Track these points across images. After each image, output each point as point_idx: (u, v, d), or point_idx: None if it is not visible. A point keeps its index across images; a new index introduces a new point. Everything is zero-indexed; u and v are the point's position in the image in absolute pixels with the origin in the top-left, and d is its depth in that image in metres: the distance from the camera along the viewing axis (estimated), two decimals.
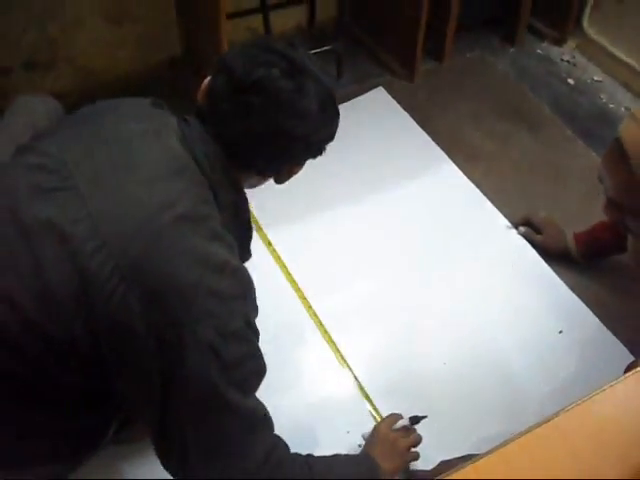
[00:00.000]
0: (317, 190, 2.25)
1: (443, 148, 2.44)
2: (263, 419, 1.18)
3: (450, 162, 2.39)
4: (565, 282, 2.05)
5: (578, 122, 2.62)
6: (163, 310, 1.04)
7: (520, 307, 1.99)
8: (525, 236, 2.15)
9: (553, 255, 2.10)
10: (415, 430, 1.61)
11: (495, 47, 2.95)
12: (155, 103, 1.27)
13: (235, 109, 1.17)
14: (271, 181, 1.35)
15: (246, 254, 1.32)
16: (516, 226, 2.19)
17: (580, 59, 2.92)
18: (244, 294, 1.13)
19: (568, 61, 2.92)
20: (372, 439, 1.54)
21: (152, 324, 1.04)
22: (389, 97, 2.63)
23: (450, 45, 2.79)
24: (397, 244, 2.14)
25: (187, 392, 1.07)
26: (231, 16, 2.39)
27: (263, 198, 1.79)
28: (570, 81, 2.83)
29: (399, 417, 1.61)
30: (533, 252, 2.12)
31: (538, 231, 2.14)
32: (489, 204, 2.27)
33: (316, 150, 1.29)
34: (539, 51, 2.96)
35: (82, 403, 1.18)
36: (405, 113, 2.57)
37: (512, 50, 2.95)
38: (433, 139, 2.47)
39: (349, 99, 2.62)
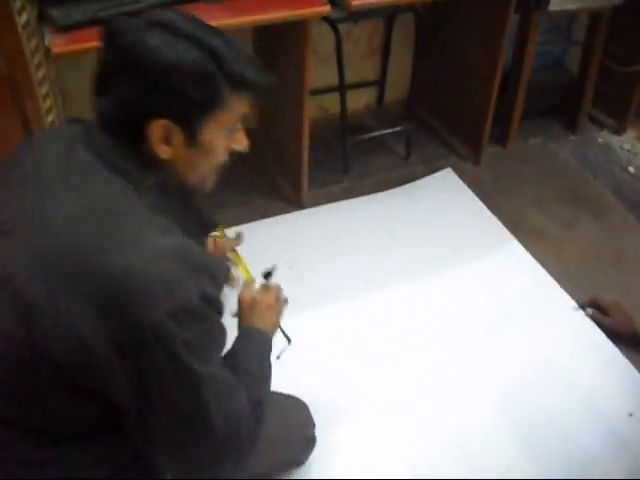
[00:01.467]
0: (377, 263, 2.34)
1: (508, 229, 2.51)
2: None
3: (516, 242, 2.45)
4: (634, 365, 2.06)
5: None
6: (116, 317, 1.00)
7: (588, 387, 1.99)
8: (593, 318, 2.18)
9: (621, 339, 2.12)
10: (270, 283, 1.60)
11: (557, 134, 3.06)
12: (72, 119, 1.24)
13: (124, 82, 1.08)
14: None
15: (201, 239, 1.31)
16: (583, 307, 2.22)
17: None
18: (193, 271, 1.07)
19: (628, 150, 3.00)
20: (242, 313, 1.49)
21: (108, 334, 1.00)
22: (457, 178, 2.72)
23: (514, 131, 2.90)
24: (461, 320, 2.17)
25: (164, 382, 1.05)
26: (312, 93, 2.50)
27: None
28: (631, 169, 2.90)
29: (252, 283, 1.60)
30: (601, 334, 2.14)
31: (605, 314, 2.17)
32: (555, 284, 2.30)
33: (170, 94, 1.07)
34: (600, 139, 3.06)
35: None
36: (472, 194, 2.65)
37: (573, 138, 3.05)
38: (498, 220, 2.54)
39: (417, 178, 2.73)
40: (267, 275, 1.75)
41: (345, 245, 2.42)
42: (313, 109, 2.79)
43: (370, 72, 2.98)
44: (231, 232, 1.93)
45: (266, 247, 2.37)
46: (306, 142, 2.45)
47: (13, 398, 1.10)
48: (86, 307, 0.99)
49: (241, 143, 1.23)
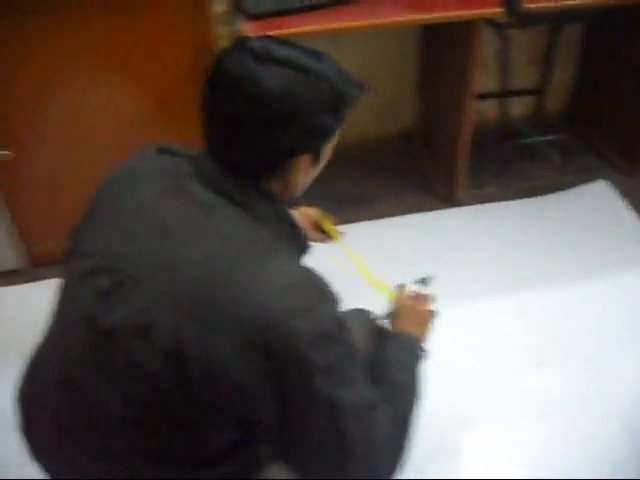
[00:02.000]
0: (522, 265, 2.37)
1: None
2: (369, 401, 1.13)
3: None
4: None
5: None
6: (262, 353, 1.00)
7: None
8: None
9: None
10: (423, 292, 1.59)
11: None
12: (160, 150, 1.24)
13: (210, 114, 1.12)
14: None
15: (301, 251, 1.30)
16: None
17: None
18: (321, 296, 1.07)
19: None
20: (396, 316, 1.48)
21: (255, 373, 1.00)
22: (612, 189, 2.71)
23: None
24: (601, 338, 2.12)
25: (309, 415, 1.04)
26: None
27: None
28: None
29: (404, 287, 1.59)
30: None
31: None
32: None
33: (307, 131, 1.10)
34: None
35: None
36: (626, 207, 2.63)
37: None
38: None
39: (569, 187, 2.74)
40: (423, 281, 1.70)
41: (493, 246, 2.47)
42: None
43: (530, 80, 3.00)
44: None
45: (418, 240, 2.48)
46: (465, 144, 2.52)
47: (148, 434, 1.10)
48: (236, 349, 0.99)
49: (329, 155, 1.25)
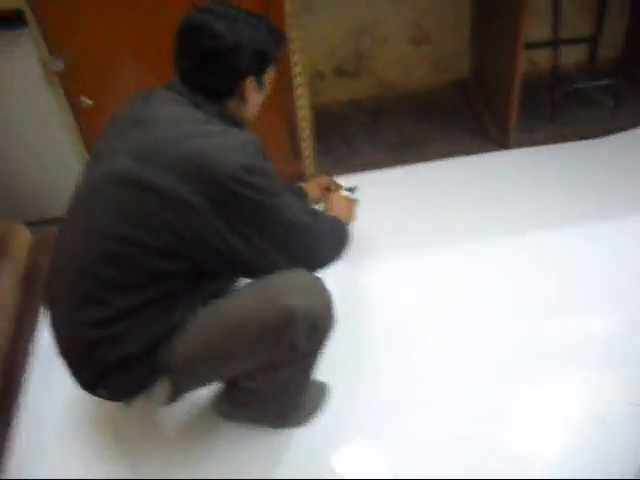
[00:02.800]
0: (566, 207, 2.44)
1: None
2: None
3: None
4: None
5: None
6: (206, 180, 1.37)
7: None
8: None
9: None
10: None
11: None
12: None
13: (181, 52, 1.52)
14: None
15: None
16: None
17: None
18: (255, 148, 1.44)
19: None
20: (327, 202, 2.03)
21: (203, 193, 1.36)
22: None
23: None
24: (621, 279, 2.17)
25: (258, 220, 1.44)
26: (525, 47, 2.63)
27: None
28: None
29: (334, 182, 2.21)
30: None
31: None
32: None
33: (249, 58, 1.51)
34: None
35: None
36: None
37: None
38: None
39: (622, 131, 2.80)
40: (350, 189, 2.18)
41: (545, 186, 2.54)
42: (524, 63, 2.93)
43: (583, 29, 3.05)
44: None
45: (471, 180, 2.58)
46: (517, 90, 2.60)
47: (123, 261, 1.41)
48: (182, 180, 1.36)
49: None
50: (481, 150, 2.74)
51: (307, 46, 2.57)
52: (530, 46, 2.79)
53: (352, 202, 2.05)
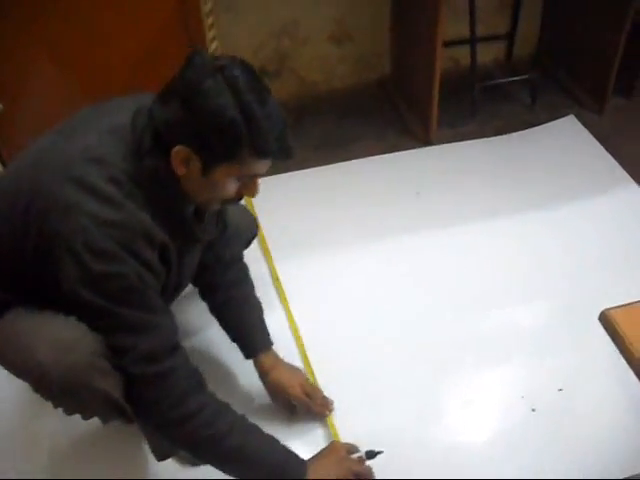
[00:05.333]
0: (497, 197, 2.50)
1: (628, 174, 2.60)
2: (148, 328, 1.31)
3: (635, 184, 2.54)
4: None
5: None
6: (45, 221, 1.24)
7: None
8: None
9: None
10: (366, 463, 1.62)
11: None
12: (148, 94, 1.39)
13: (175, 104, 1.25)
14: None
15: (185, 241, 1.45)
16: None
17: None
18: (125, 227, 1.25)
19: None
20: (323, 450, 1.59)
21: (34, 232, 1.25)
22: (579, 124, 2.84)
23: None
24: (572, 261, 2.24)
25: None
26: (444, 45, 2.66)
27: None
28: None
29: (356, 448, 1.63)
30: None
31: None
32: None
33: (211, 146, 1.26)
34: None
35: None
36: (593, 139, 2.76)
37: None
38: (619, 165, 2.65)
39: (540, 125, 2.87)
40: (371, 455, 1.63)
41: (468, 180, 2.59)
42: (444, 60, 2.97)
43: (500, 26, 3.12)
44: None
45: (396, 177, 2.61)
46: (436, 87, 2.64)
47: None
48: (35, 211, 1.25)
49: (250, 193, 1.38)
50: (404, 147, 2.76)
51: (228, 47, 2.56)
52: (448, 44, 2.84)
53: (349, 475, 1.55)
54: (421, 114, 2.81)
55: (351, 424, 1.75)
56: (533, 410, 1.80)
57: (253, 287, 1.79)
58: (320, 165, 2.67)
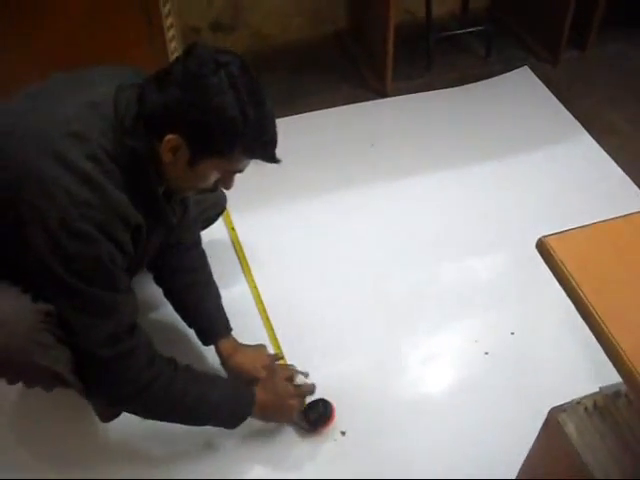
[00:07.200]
0: (451, 148, 2.53)
1: (581, 124, 2.64)
2: (113, 310, 1.32)
3: (587, 135, 2.58)
4: None
5: None
6: (19, 190, 1.21)
7: None
8: None
9: None
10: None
11: (638, 42, 3.10)
12: (134, 70, 1.41)
13: (174, 92, 1.25)
14: None
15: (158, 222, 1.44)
16: None
17: None
18: (103, 208, 1.23)
19: None
20: (263, 381, 1.66)
21: (4, 199, 1.22)
22: (533, 76, 2.87)
23: (594, 36, 2.99)
24: (530, 209, 2.29)
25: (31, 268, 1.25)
26: None
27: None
28: None
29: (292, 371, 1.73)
30: None
31: None
32: (622, 174, 2.43)
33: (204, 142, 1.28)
34: None
35: None
36: (547, 91, 2.79)
37: None
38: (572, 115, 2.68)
39: (495, 77, 2.88)
40: (307, 408, 1.69)
41: (423, 132, 2.61)
42: (400, 12, 2.96)
43: None
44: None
45: (351, 129, 2.61)
46: (392, 39, 2.64)
47: None
48: (11, 181, 1.22)
49: (227, 186, 1.43)
50: (360, 99, 2.76)
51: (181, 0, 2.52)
52: None
53: (291, 406, 1.65)
54: (377, 66, 2.80)
55: (313, 381, 1.76)
56: (486, 353, 1.86)
57: (211, 273, 1.78)
58: (276, 118, 2.64)
